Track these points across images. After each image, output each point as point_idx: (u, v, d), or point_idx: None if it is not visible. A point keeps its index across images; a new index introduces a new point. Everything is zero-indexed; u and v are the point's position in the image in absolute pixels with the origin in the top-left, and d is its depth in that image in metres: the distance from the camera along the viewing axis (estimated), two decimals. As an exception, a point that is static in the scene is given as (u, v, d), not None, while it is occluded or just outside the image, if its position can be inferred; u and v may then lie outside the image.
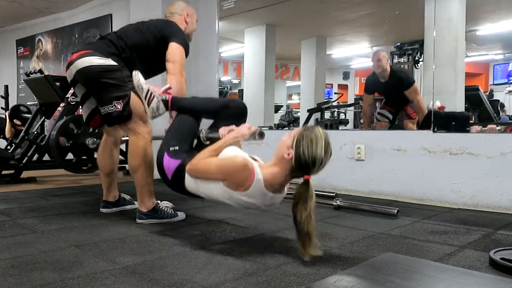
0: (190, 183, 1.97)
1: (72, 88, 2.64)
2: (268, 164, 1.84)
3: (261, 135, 2.01)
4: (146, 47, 2.44)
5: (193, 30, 2.70)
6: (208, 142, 2.14)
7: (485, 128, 3.34)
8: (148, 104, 2.23)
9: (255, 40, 5.55)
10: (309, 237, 1.68)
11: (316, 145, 1.68)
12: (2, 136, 5.73)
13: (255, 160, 1.92)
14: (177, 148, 2.07)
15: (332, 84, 7.43)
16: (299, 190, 1.71)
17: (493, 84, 4.56)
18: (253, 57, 5.64)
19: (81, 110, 3.56)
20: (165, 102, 2.22)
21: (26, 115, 5.24)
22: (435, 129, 3.07)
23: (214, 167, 1.85)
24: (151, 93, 2.22)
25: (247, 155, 1.90)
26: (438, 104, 3.16)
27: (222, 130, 2.06)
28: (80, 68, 2.33)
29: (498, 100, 4.49)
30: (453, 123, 3.24)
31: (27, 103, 5.44)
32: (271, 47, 5.34)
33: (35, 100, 4.94)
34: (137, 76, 2.25)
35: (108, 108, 2.33)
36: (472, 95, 3.71)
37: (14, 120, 5.50)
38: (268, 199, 1.83)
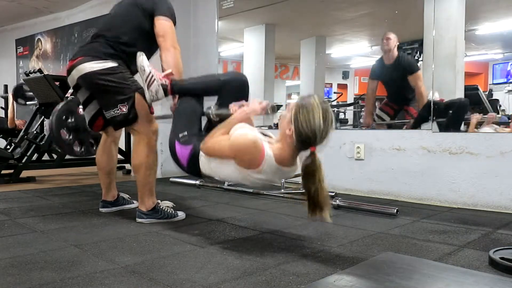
0: (205, 167, 1.99)
1: (73, 92, 2.63)
2: (276, 140, 1.85)
3: (273, 109, 2.00)
4: (136, 29, 2.40)
5: None
6: (218, 119, 2.13)
7: (486, 116, 3.33)
8: (148, 87, 2.21)
9: (254, 39, 5.54)
10: (320, 208, 1.69)
11: (313, 116, 1.67)
12: (1, 135, 5.73)
13: (267, 135, 1.93)
14: (185, 133, 2.09)
15: (331, 84, 7.42)
16: (305, 163, 1.71)
17: (493, 84, 4.56)
18: (253, 57, 5.64)
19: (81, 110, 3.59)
20: (164, 87, 2.21)
21: (30, 93, 5.22)
22: (435, 119, 3.10)
23: (226, 146, 1.86)
24: (152, 76, 2.20)
25: (257, 131, 1.90)
26: (437, 96, 3.17)
27: (233, 106, 2.06)
28: (82, 74, 2.34)
29: (498, 100, 4.49)
30: (451, 111, 3.25)
31: (27, 102, 5.43)
32: (270, 47, 5.33)
33: (34, 99, 4.93)
34: (141, 57, 2.23)
35: (114, 111, 2.33)
36: (471, 95, 3.71)
37: (17, 122, 5.50)
38: (281, 173, 1.85)
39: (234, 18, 4.72)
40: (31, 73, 4.46)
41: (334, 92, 7.32)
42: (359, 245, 1.97)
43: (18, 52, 7.97)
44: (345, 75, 7.50)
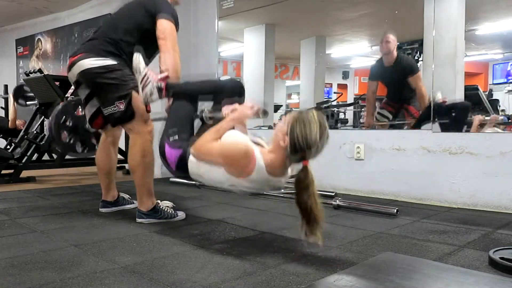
0: (193, 170, 1.98)
1: (74, 89, 2.65)
2: (268, 150, 1.83)
3: (265, 113, 2.00)
4: (138, 29, 2.40)
5: None
6: (211, 122, 2.13)
7: (488, 118, 3.33)
8: (143, 88, 2.21)
9: (254, 39, 5.54)
10: (316, 222, 1.67)
11: (310, 130, 1.66)
12: (1, 135, 5.73)
13: (258, 143, 1.91)
14: (176, 137, 2.08)
15: (331, 84, 7.42)
16: (298, 177, 1.70)
17: (493, 84, 4.56)
18: (253, 57, 5.64)
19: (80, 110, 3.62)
20: (159, 89, 2.20)
21: (31, 93, 5.22)
22: (437, 120, 3.11)
23: (216, 152, 1.84)
24: (147, 78, 2.21)
25: (248, 139, 1.88)
26: (439, 96, 3.16)
27: (225, 109, 2.05)
28: (82, 70, 2.34)
29: (498, 100, 4.49)
30: (453, 113, 3.25)
31: (27, 102, 5.43)
32: (270, 47, 5.33)
33: (35, 99, 4.93)
34: (138, 58, 2.23)
35: (111, 108, 2.34)
36: (471, 95, 3.71)
37: (17, 122, 5.50)
38: (271, 184, 1.84)
39: (234, 18, 4.72)
40: (31, 73, 4.46)
41: (334, 92, 7.32)
42: (359, 245, 1.97)
43: (18, 52, 7.97)
44: (345, 75, 7.50)
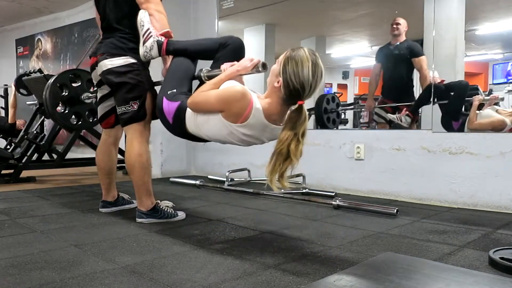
0: (191, 124, 1.97)
1: (96, 87, 2.65)
2: (264, 95, 1.83)
3: (264, 66, 1.97)
4: (136, 8, 2.34)
5: None
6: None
7: (488, 98, 3.33)
8: (144, 42, 2.22)
9: (254, 39, 5.54)
10: (286, 162, 1.66)
11: (302, 68, 1.66)
12: (1, 135, 5.73)
13: (255, 93, 1.91)
14: (174, 91, 2.08)
15: (331, 84, 7.42)
16: (291, 115, 1.69)
17: (493, 84, 4.57)
18: (253, 57, 5.64)
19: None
20: (159, 44, 2.20)
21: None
22: (435, 101, 3.15)
23: (213, 97, 1.84)
24: (149, 32, 2.20)
25: (246, 87, 1.88)
26: (437, 75, 3.16)
27: (224, 66, 2.05)
28: (103, 70, 2.37)
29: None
30: (452, 93, 3.26)
31: (27, 102, 5.44)
32: (270, 47, 5.33)
33: (34, 99, 4.94)
34: (143, 13, 2.23)
35: (124, 108, 2.37)
36: (471, 95, 3.71)
37: (17, 121, 5.50)
38: (268, 131, 1.83)
39: (234, 18, 4.72)
40: (31, 73, 4.47)
41: (334, 92, 7.32)
42: (359, 245, 1.97)
43: (18, 52, 7.98)
44: (345, 75, 7.49)
